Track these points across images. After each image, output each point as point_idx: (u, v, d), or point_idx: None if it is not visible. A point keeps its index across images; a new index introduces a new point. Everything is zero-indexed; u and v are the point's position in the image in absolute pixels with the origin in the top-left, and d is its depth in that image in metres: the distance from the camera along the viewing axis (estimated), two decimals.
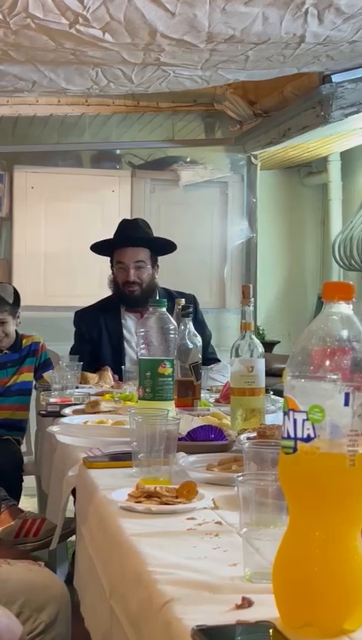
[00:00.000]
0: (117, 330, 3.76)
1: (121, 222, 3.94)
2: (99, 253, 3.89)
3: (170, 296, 3.40)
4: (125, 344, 3.74)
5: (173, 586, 1.08)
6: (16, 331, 3.87)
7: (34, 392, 3.85)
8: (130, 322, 3.75)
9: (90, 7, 2.77)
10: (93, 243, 3.84)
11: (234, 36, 3.09)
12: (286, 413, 0.96)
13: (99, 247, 3.84)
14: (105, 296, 3.92)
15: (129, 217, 5.33)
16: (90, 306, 3.91)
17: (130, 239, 3.72)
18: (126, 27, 2.96)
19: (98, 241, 3.85)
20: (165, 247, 3.80)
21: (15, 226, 5.29)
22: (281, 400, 2.66)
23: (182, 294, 3.62)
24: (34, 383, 3.86)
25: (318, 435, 0.93)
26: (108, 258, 3.83)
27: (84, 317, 3.85)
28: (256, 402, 2.24)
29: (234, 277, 5.60)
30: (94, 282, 4.97)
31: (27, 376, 3.84)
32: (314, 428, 0.93)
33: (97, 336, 3.75)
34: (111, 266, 3.79)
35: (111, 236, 3.85)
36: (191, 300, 3.72)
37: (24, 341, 3.86)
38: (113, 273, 3.78)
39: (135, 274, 3.65)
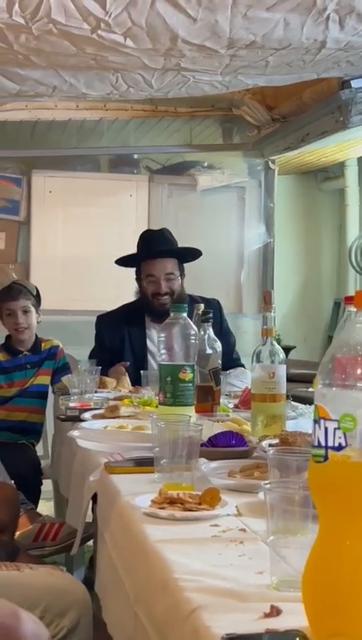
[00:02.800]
0: (140, 340, 3.68)
1: (146, 232, 3.87)
2: (124, 266, 3.80)
3: (194, 302, 3.31)
4: (148, 355, 3.66)
5: (199, 593, 1.08)
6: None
7: (50, 396, 3.86)
8: (154, 333, 3.63)
9: (112, 12, 2.78)
10: (118, 258, 3.75)
11: (255, 42, 3.09)
12: (316, 422, 0.96)
13: (124, 260, 3.77)
14: (125, 300, 3.88)
15: (146, 222, 5.36)
16: (113, 312, 3.81)
17: (159, 252, 3.64)
18: (147, 32, 2.96)
19: (124, 255, 3.75)
20: (191, 254, 3.74)
21: (33, 229, 5.32)
22: (301, 406, 2.67)
23: (205, 300, 3.60)
24: (50, 387, 3.87)
25: (349, 444, 0.92)
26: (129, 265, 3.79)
27: (106, 323, 3.75)
28: (277, 408, 2.24)
29: (251, 282, 5.60)
30: (112, 286, 4.98)
31: (44, 379, 3.85)
32: (345, 436, 0.92)
33: (119, 345, 3.66)
34: (137, 277, 3.70)
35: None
36: (216, 305, 3.69)
37: (43, 344, 3.87)
38: (141, 285, 3.68)
39: (166, 285, 3.58)
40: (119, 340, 3.68)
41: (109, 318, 3.78)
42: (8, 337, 3.87)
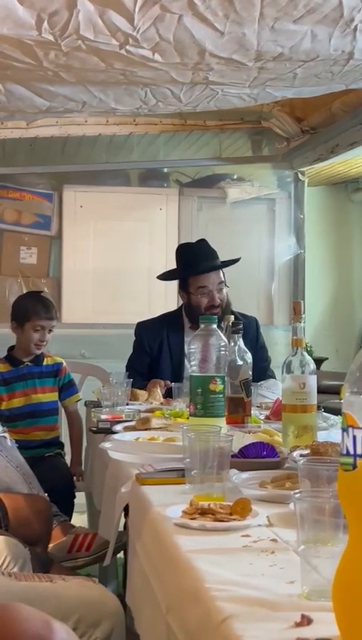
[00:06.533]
0: (179, 346, 3.77)
1: (186, 247, 3.93)
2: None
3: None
4: (186, 361, 3.74)
5: (231, 602, 1.08)
6: None
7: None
8: None
9: (140, 27, 2.80)
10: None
11: (282, 54, 3.10)
12: (345, 430, 0.96)
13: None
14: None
15: (176, 235, 5.38)
16: (153, 319, 3.94)
17: (212, 267, 3.72)
18: (175, 47, 2.97)
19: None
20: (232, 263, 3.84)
21: (64, 244, 5.37)
22: (333, 417, 2.66)
23: (244, 316, 3.68)
24: (59, 402, 3.98)
25: None
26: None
27: (146, 328, 3.87)
28: (308, 419, 2.23)
29: (282, 293, 5.59)
30: (143, 299, 5.00)
31: (52, 396, 3.94)
32: None
33: (158, 350, 3.79)
34: (184, 288, 3.77)
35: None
36: (253, 322, 3.82)
37: (46, 359, 3.94)
38: (189, 297, 3.75)
39: (218, 297, 3.68)
40: (158, 344, 3.79)
41: (149, 323, 3.91)
42: (11, 348, 3.93)
